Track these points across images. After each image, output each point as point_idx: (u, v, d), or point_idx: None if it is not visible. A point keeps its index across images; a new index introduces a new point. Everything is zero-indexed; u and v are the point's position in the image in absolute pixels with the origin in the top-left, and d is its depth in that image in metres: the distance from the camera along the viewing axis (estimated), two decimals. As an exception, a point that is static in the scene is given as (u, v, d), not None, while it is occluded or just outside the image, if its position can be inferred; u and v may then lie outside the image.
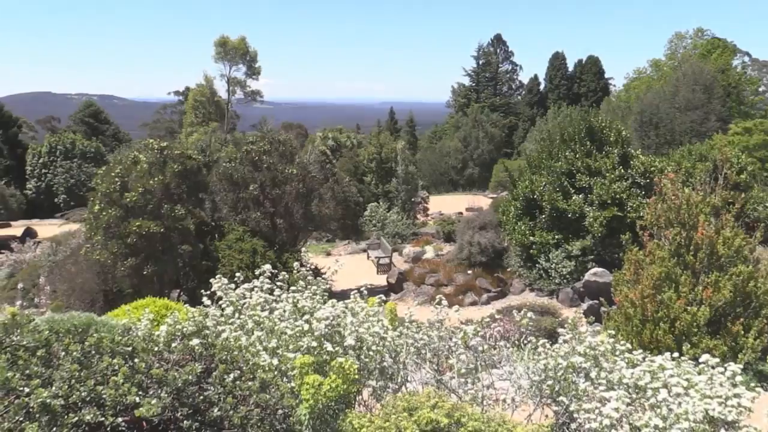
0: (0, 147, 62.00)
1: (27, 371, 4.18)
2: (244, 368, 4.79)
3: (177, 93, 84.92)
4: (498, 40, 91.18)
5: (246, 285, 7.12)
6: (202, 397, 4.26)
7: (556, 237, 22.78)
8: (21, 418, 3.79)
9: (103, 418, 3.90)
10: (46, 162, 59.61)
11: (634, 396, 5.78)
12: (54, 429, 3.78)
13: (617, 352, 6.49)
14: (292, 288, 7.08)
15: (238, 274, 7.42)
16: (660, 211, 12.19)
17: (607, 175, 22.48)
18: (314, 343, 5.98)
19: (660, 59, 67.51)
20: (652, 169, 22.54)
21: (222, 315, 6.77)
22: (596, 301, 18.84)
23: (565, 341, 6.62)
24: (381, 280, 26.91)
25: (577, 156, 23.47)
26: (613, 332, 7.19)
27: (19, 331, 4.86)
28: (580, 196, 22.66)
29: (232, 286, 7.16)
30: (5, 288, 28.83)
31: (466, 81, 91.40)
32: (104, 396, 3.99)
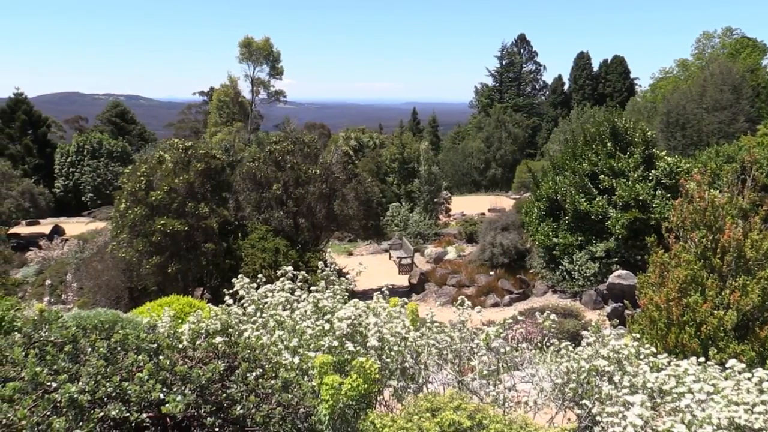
0: (29, 146, 62.94)
1: (55, 366, 4.25)
2: (266, 367, 4.83)
3: (201, 93, 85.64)
4: (522, 40, 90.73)
5: (268, 285, 7.17)
6: (225, 395, 4.30)
7: (580, 239, 22.63)
8: (49, 413, 3.86)
9: (128, 414, 3.96)
10: (74, 161, 60.46)
11: (658, 400, 5.72)
12: (81, 423, 3.84)
13: (641, 356, 6.43)
14: (313, 288, 7.11)
15: (260, 274, 7.48)
16: (686, 212, 12.04)
17: (630, 176, 22.28)
18: (335, 343, 6.00)
19: (687, 59, 66.73)
20: (678, 170, 22.28)
21: (244, 313, 6.82)
22: (620, 304, 18.67)
23: (588, 344, 6.58)
24: (403, 281, 26.90)
25: (601, 157, 23.28)
26: (637, 335, 7.12)
27: (47, 326, 4.94)
28: (604, 197, 22.48)
29: (255, 285, 7.21)
30: (34, 284, 29.32)
31: (490, 81, 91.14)
32: (129, 392, 4.04)
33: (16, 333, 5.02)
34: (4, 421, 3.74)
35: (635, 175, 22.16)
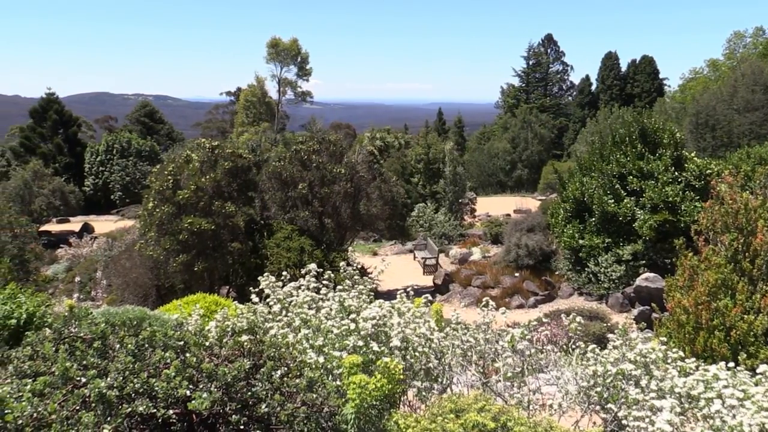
0: (60, 145, 63.89)
1: (84, 362, 4.31)
2: (291, 365, 4.85)
3: (229, 93, 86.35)
4: (549, 40, 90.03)
5: (293, 283, 7.20)
6: (250, 393, 4.34)
7: (606, 241, 22.41)
8: (78, 407, 3.92)
9: (155, 410, 4.01)
10: (104, 160, 61.26)
11: (686, 405, 5.65)
12: (109, 418, 3.90)
13: (669, 360, 6.36)
14: (339, 287, 7.13)
15: (285, 273, 7.52)
16: (716, 215, 11.88)
17: (660, 177, 22.02)
18: (360, 342, 6.01)
19: (718, 59, 65.74)
20: (708, 171, 21.97)
21: (270, 312, 6.86)
22: (647, 307, 18.46)
23: (614, 347, 6.51)
24: (427, 281, 26.87)
25: (629, 158, 23.05)
26: (664, 339, 7.05)
27: (77, 323, 5.02)
28: (632, 199, 22.25)
29: (280, 283, 7.24)
30: (63, 281, 29.78)
31: (516, 81, 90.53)
32: (156, 388, 4.09)
33: (46, 329, 5.11)
34: (35, 414, 3.81)
35: (665, 177, 21.90)
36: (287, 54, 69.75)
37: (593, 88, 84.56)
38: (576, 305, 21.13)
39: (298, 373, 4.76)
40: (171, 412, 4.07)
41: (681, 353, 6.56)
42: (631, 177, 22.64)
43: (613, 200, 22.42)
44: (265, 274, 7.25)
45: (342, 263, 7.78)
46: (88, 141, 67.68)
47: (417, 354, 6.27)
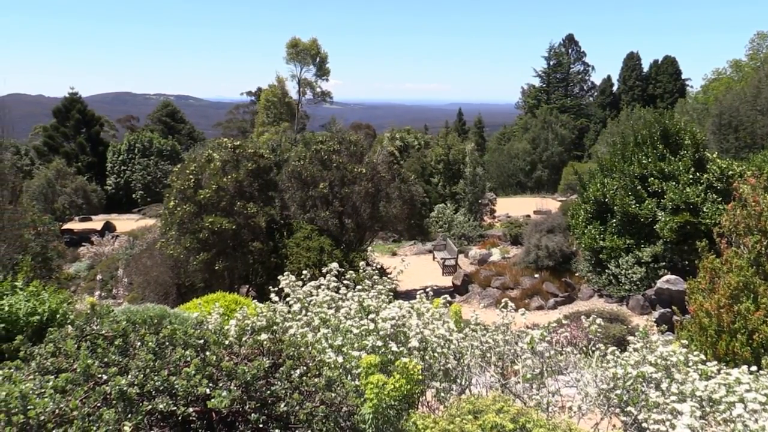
0: (83, 144, 64.60)
1: (105, 359, 4.35)
2: (310, 365, 4.86)
3: (249, 93, 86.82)
4: (570, 41, 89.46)
5: (313, 282, 7.22)
6: (269, 392, 4.35)
7: (627, 242, 22.24)
8: (99, 404, 3.96)
9: (175, 408, 4.03)
10: (125, 159, 61.87)
11: (707, 409, 5.59)
12: (129, 416, 3.93)
13: (690, 363, 6.29)
14: (358, 287, 7.13)
15: (305, 272, 7.54)
16: (739, 217, 11.74)
17: (681, 179, 21.81)
18: (379, 343, 6.01)
19: (741, 60, 64.95)
20: (731, 173, 21.72)
21: (289, 311, 6.88)
22: (668, 310, 18.30)
23: (635, 349, 6.46)
24: (446, 282, 26.82)
25: (650, 159, 22.85)
26: (686, 342, 6.98)
27: (98, 320, 5.07)
28: (653, 200, 22.06)
29: (299, 283, 7.26)
30: (85, 279, 30.10)
31: (536, 82, 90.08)
32: (176, 386, 4.11)
33: (69, 326, 5.17)
34: (57, 410, 3.85)
35: (686, 179, 21.68)
36: (307, 54, 69.97)
37: (614, 88, 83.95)
38: (596, 307, 20.98)
39: (317, 373, 4.77)
40: (191, 409, 4.09)
41: (702, 356, 6.49)
42: (653, 178, 22.45)
43: (634, 201, 22.25)
44: (286, 273, 7.27)
45: (362, 263, 7.78)
46: (110, 140, 68.37)
47: (436, 355, 6.26)
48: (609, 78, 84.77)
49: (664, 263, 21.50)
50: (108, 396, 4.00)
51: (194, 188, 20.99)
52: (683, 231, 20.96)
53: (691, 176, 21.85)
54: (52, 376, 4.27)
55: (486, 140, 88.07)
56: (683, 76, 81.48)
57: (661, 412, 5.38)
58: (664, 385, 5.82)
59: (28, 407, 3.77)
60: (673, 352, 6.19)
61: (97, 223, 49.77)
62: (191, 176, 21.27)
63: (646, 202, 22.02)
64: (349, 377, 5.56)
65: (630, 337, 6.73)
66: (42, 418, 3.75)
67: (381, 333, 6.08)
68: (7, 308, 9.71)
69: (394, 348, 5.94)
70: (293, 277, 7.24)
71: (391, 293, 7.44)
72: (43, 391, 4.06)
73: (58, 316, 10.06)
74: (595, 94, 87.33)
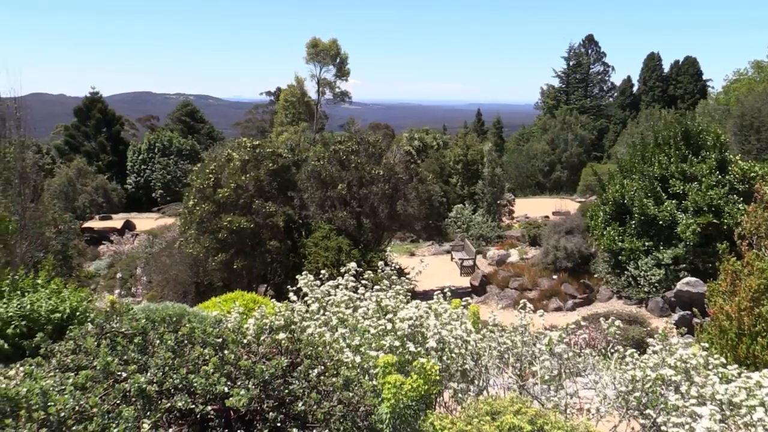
0: (104, 144, 65.19)
1: (125, 357, 4.39)
2: (328, 364, 4.87)
3: (268, 93, 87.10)
4: (590, 41, 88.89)
5: (331, 282, 7.23)
6: (287, 391, 4.36)
7: (647, 244, 22.05)
8: (119, 401, 3.99)
9: (193, 406, 4.05)
10: (145, 158, 62.38)
11: (727, 413, 5.52)
12: (148, 413, 3.96)
13: (710, 366, 6.22)
14: (376, 287, 7.13)
15: (323, 272, 7.55)
16: (760, 219, 11.61)
17: (704, 180, 21.59)
18: (397, 343, 6.01)
19: (762, 60, 64.18)
20: (752, 175, 21.47)
21: (307, 311, 6.89)
22: (688, 312, 18.12)
23: (654, 352, 6.40)
24: (464, 282, 26.75)
25: (672, 160, 22.64)
26: (706, 345, 6.90)
27: (118, 318, 5.11)
28: (673, 202, 21.85)
29: (318, 282, 7.27)
30: (105, 277, 30.36)
31: (556, 82, 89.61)
32: (195, 384, 4.14)
33: (89, 324, 5.21)
34: (77, 407, 3.88)
35: (709, 180, 21.46)
36: (326, 54, 70.05)
37: (635, 89, 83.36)
38: (615, 309, 20.82)
39: (335, 372, 4.77)
40: (209, 408, 4.11)
41: (723, 359, 6.42)
42: (674, 179, 22.24)
43: (654, 203, 22.06)
44: (304, 272, 7.29)
45: (380, 263, 7.78)
46: (131, 139, 68.91)
47: (453, 355, 6.25)
48: (629, 79, 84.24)
49: (684, 265, 21.29)
50: (127, 393, 4.03)
51: (213, 187, 21.11)
52: (704, 233, 20.75)
53: (713, 178, 21.63)
54: (73, 373, 4.32)
55: (505, 141, 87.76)
56: (704, 77, 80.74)
57: (680, 416, 5.33)
58: (683, 388, 5.76)
59: (49, 404, 3.80)
60: (693, 354, 6.13)
61: (117, 221, 50.20)
62: (210, 175, 21.39)
63: (666, 203, 21.82)
64: (366, 377, 5.56)
65: (649, 340, 6.67)
66: (62, 414, 3.78)
67: (399, 333, 6.08)
68: (28, 306, 9.82)
69: (412, 348, 5.93)
70: (311, 277, 7.26)
71: (409, 293, 7.44)
72: (63, 387, 4.10)
73: (78, 313, 10.16)
74: (615, 94, 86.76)
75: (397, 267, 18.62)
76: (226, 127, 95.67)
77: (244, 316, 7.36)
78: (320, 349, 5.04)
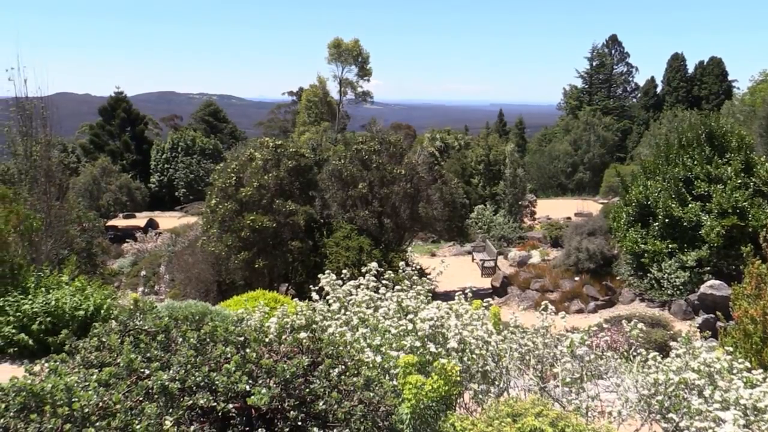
0: (128, 143, 65.88)
1: (148, 354, 4.42)
2: (349, 364, 4.87)
3: (290, 93, 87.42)
4: (613, 41, 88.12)
5: (352, 282, 7.23)
6: (308, 390, 4.37)
7: (670, 246, 21.82)
8: (141, 398, 4.02)
9: (215, 403, 4.07)
10: (169, 158, 62.93)
11: (751, 418, 5.44)
12: (171, 410, 3.99)
13: (734, 371, 6.13)
14: (397, 287, 7.12)
15: (345, 271, 7.56)
16: (787, 222, 11.44)
17: (729, 182, 21.32)
18: (417, 343, 6.00)
19: (790, 61, 63.16)
20: (779, 177, 21.19)
21: (328, 310, 6.90)
22: (712, 316, 17.90)
23: (677, 355, 6.33)
24: (485, 283, 26.66)
25: (696, 162, 22.38)
26: (730, 349, 6.81)
27: (141, 316, 5.16)
28: (697, 203, 21.59)
29: (339, 282, 7.28)
30: (129, 275, 30.68)
31: (579, 83, 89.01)
32: (217, 382, 4.16)
33: (113, 321, 5.26)
34: (101, 403, 3.92)
35: (734, 182, 21.18)
36: (349, 54, 70.08)
37: (658, 89, 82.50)
38: (637, 311, 20.64)
39: (356, 372, 4.77)
40: (231, 406, 4.13)
41: (747, 364, 6.33)
42: (698, 181, 21.98)
43: (678, 204, 21.82)
44: (326, 272, 7.30)
45: (401, 263, 7.78)
46: (154, 139, 69.55)
47: (474, 356, 6.22)
48: (653, 79, 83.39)
49: (708, 268, 21.04)
50: (150, 390, 4.07)
51: (236, 186, 21.24)
52: (729, 235, 20.50)
53: (739, 180, 21.36)
54: (96, 370, 4.36)
55: (527, 141, 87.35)
56: (729, 78, 79.70)
57: (703, 420, 5.26)
58: (706, 393, 5.69)
59: (73, 399, 3.85)
60: (717, 358, 6.05)
61: (140, 220, 50.70)
62: (233, 175, 21.51)
63: (690, 205, 21.58)
64: (387, 377, 5.56)
65: (672, 343, 6.59)
66: (86, 410, 3.82)
67: (419, 333, 6.06)
68: (53, 302, 9.96)
69: (433, 349, 5.92)
70: (333, 276, 7.27)
71: (430, 294, 7.42)
72: (87, 384, 4.14)
73: (102, 311, 10.28)
74: (639, 95, 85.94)
75: (418, 267, 18.61)
76: (248, 126, 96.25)
77: (266, 315, 7.39)
78: (341, 348, 5.04)
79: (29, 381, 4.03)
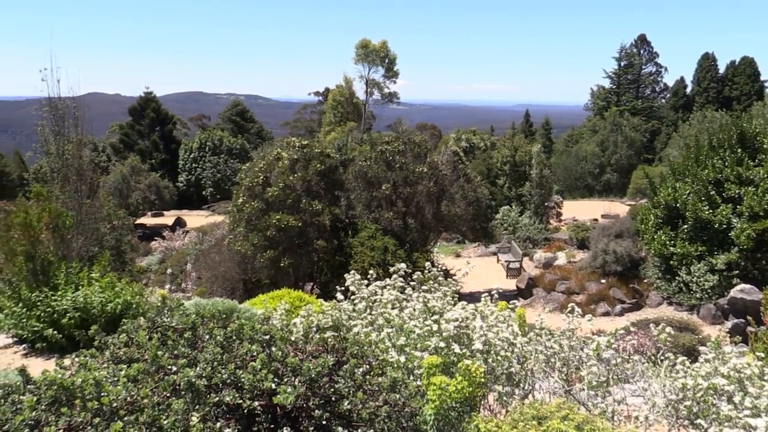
0: (157, 142, 66.65)
1: (175, 351, 4.48)
2: (374, 364, 4.88)
3: (317, 94, 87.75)
4: (642, 41, 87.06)
5: (378, 282, 7.25)
6: (333, 389, 4.39)
7: (699, 249, 21.49)
8: (168, 394, 4.08)
9: (241, 401, 4.11)
10: (196, 157, 63.54)
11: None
12: (197, 406, 4.03)
13: (765, 377, 6.04)
14: (423, 288, 7.12)
15: (371, 272, 7.58)
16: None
17: (760, 185, 20.95)
18: (442, 344, 5.99)
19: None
20: (811, 180, 20.77)
21: (354, 310, 6.93)
22: (742, 320, 17.62)
23: (706, 360, 6.24)
24: (510, 285, 26.53)
25: (727, 164, 22.03)
26: (761, 354, 6.70)
27: (169, 313, 5.22)
28: (728, 206, 21.25)
29: (365, 282, 7.30)
30: (156, 272, 31.03)
31: (606, 83, 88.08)
32: (243, 380, 4.20)
33: (141, 317, 5.34)
34: (129, 398, 3.98)
35: (766, 184, 20.81)
36: (376, 55, 70.09)
37: (688, 90, 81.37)
38: (665, 315, 20.37)
39: (380, 372, 4.78)
40: (256, 403, 4.17)
41: (779, 370, 6.22)
42: (729, 183, 21.63)
43: (707, 207, 21.49)
44: (352, 271, 7.33)
45: (426, 264, 7.78)
46: (183, 138, 70.29)
47: (499, 358, 6.20)
48: (682, 79, 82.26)
49: (738, 271, 20.69)
50: (177, 386, 4.11)
51: (262, 186, 21.37)
52: (761, 239, 20.15)
53: (771, 182, 21.00)
54: (125, 365, 4.43)
55: (553, 142, 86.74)
56: (762, 78, 78.31)
57: (733, 427, 5.19)
58: (736, 399, 5.60)
59: (102, 394, 3.91)
60: (747, 364, 5.95)
61: (168, 218, 51.26)
62: (260, 174, 21.66)
63: (720, 208, 21.24)
64: (411, 377, 5.56)
65: (701, 348, 6.50)
66: (114, 405, 3.88)
67: (444, 334, 6.06)
68: (82, 298, 10.12)
69: (457, 350, 5.91)
70: (359, 276, 7.29)
71: (456, 295, 7.41)
72: (116, 379, 4.21)
73: (131, 307, 10.42)
74: (668, 96, 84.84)
75: (443, 268, 18.59)
76: (275, 126, 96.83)
77: (291, 314, 7.43)
78: (366, 348, 5.06)
79: (60, 375, 4.10)
